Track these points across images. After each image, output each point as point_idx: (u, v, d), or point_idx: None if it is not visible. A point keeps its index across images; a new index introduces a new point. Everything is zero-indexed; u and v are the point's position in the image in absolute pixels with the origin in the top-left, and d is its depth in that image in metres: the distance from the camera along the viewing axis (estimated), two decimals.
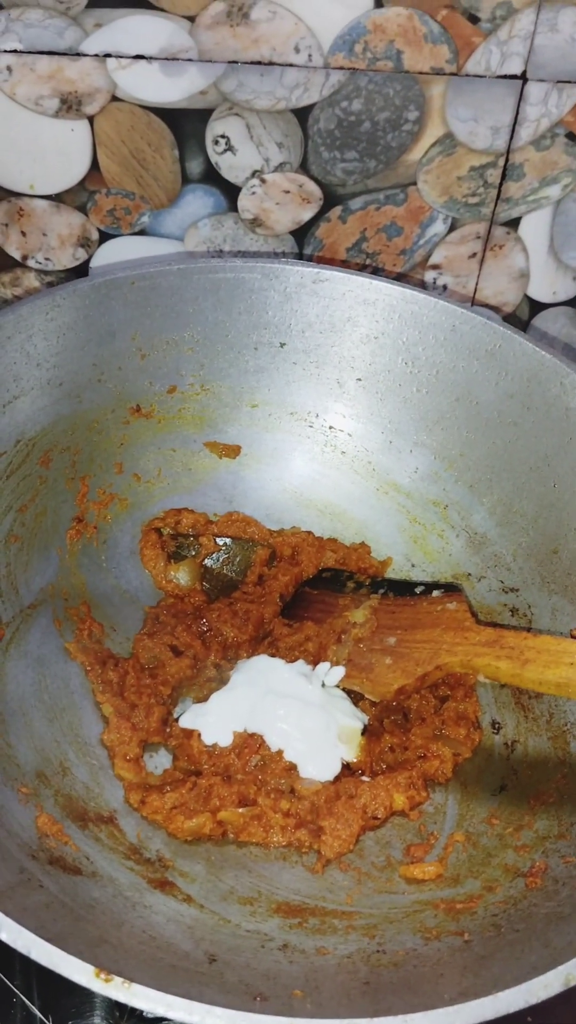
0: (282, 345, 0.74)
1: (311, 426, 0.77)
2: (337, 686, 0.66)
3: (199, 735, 0.62)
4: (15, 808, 0.52)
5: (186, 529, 0.75)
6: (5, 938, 0.39)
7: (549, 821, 0.56)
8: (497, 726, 0.65)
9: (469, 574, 0.72)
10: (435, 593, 0.68)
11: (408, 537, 0.75)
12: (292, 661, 0.66)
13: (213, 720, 0.63)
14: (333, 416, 0.77)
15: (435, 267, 0.83)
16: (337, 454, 0.77)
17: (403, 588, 0.71)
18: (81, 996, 0.56)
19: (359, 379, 0.75)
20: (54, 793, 0.56)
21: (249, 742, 0.62)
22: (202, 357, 0.74)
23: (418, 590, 0.70)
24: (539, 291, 0.86)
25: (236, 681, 0.65)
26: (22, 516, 0.66)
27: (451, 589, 0.69)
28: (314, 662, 0.67)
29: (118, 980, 0.38)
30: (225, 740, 0.62)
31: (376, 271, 0.83)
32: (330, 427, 0.77)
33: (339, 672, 0.66)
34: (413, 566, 0.74)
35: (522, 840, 0.56)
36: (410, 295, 0.71)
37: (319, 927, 0.52)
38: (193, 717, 0.63)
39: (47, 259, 0.81)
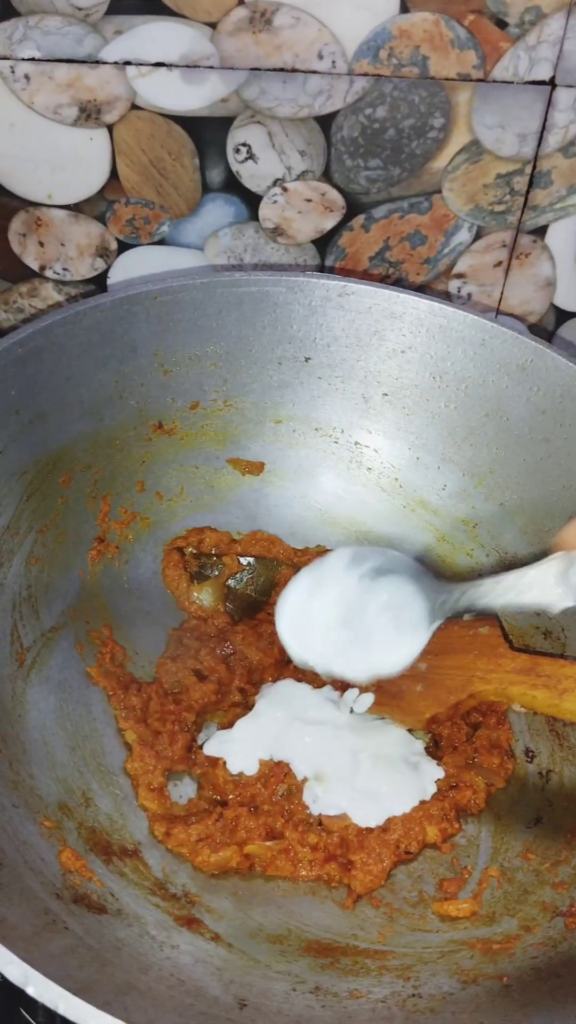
0: (307, 360, 0.74)
1: (336, 442, 0.77)
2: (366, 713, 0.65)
3: (224, 763, 0.61)
4: (38, 843, 0.51)
5: (209, 548, 0.74)
6: (32, 992, 0.38)
7: None
8: (531, 755, 0.64)
9: None
10: (466, 616, 0.67)
11: (435, 556, 0.74)
12: (319, 686, 0.65)
13: (238, 747, 0.62)
14: (359, 432, 0.76)
15: (460, 276, 0.82)
16: (363, 471, 0.77)
17: None
18: None
19: (386, 394, 0.75)
20: (77, 826, 0.55)
21: (275, 770, 0.61)
22: (225, 372, 0.73)
23: None
24: (566, 300, 0.85)
25: (261, 707, 0.63)
26: (43, 537, 0.66)
27: (483, 612, 0.67)
28: (342, 688, 0.66)
29: None
30: (251, 768, 0.61)
31: (399, 281, 0.82)
32: (356, 443, 0.76)
33: (368, 699, 0.65)
34: None
35: (560, 876, 0.55)
36: (438, 308, 0.70)
37: (351, 967, 0.51)
38: (218, 744, 0.62)
39: (65, 269, 0.81)
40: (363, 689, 0.65)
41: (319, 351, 0.73)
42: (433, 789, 0.61)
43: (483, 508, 0.73)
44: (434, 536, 0.75)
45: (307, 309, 0.72)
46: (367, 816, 0.59)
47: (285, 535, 0.75)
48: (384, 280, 0.81)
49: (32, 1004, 0.55)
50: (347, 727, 0.62)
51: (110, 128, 0.72)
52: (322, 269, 0.81)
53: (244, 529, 0.75)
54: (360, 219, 0.78)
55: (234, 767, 0.61)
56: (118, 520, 0.71)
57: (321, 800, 0.60)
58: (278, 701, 0.63)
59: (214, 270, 0.79)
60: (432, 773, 0.61)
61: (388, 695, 0.65)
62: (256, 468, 0.76)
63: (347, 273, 0.80)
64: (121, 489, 0.71)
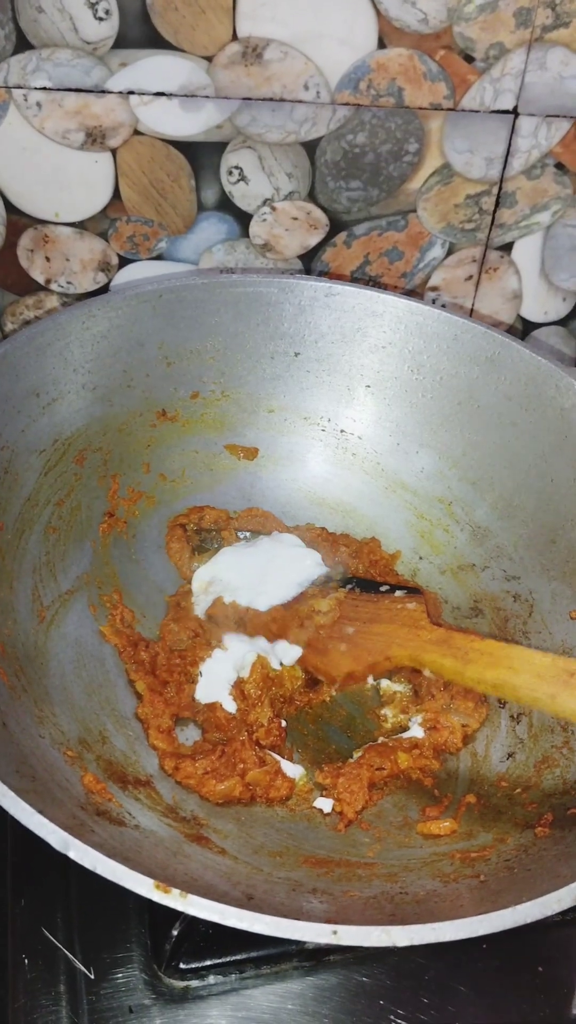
0: (296, 354, 0.76)
1: (324, 430, 0.79)
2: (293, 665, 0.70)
3: (222, 705, 0.66)
4: (63, 767, 0.54)
5: (208, 524, 0.77)
6: (73, 855, 0.43)
7: (554, 781, 0.60)
8: (502, 701, 0.68)
9: (473, 564, 0.74)
10: (398, 593, 0.70)
11: (415, 532, 0.77)
12: (253, 636, 0.70)
13: (206, 681, 0.67)
14: (344, 420, 0.79)
15: (434, 288, 0.86)
16: (348, 455, 0.79)
17: (370, 587, 0.73)
18: (120, 949, 0.59)
19: (368, 386, 0.77)
20: (96, 758, 0.59)
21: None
22: (223, 365, 0.76)
23: (383, 589, 0.72)
24: (531, 311, 0.89)
25: (216, 654, 0.69)
26: (59, 509, 0.68)
27: (413, 592, 0.71)
28: (274, 639, 0.70)
29: (176, 891, 0.42)
30: (226, 701, 0.66)
31: None
32: (341, 431, 0.79)
33: (296, 651, 0.69)
34: (421, 558, 0.77)
35: (530, 798, 0.59)
36: (415, 307, 0.73)
37: (344, 875, 0.55)
38: (202, 689, 0.68)
39: (69, 283, 0.83)
40: (291, 642, 0.70)
41: (308, 346, 0.76)
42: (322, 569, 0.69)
43: (457, 487, 0.75)
44: (413, 514, 0.77)
45: (296, 308, 0.74)
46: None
47: (277, 514, 0.78)
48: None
49: (52, 922, 0.60)
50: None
51: (114, 152, 0.75)
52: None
53: (240, 508, 0.78)
54: (342, 236, 0.81)
55: (205, 697, 0.66)
56: (126, 498, 0.73)
57: (283, 654, 0.67)
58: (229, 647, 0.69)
59: (213, 272, 0.82)
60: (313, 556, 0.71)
61: (315, 650, 0.69)
62: (251, 453, 0.78)
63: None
64: (128, 470, 0.73)
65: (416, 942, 0.41)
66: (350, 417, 0.79)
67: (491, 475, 0.73)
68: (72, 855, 0.42)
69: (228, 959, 0.57)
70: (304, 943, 0.55)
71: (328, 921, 0.45)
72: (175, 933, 0.55)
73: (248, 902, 0.49)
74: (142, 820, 0.55)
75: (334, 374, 0.77)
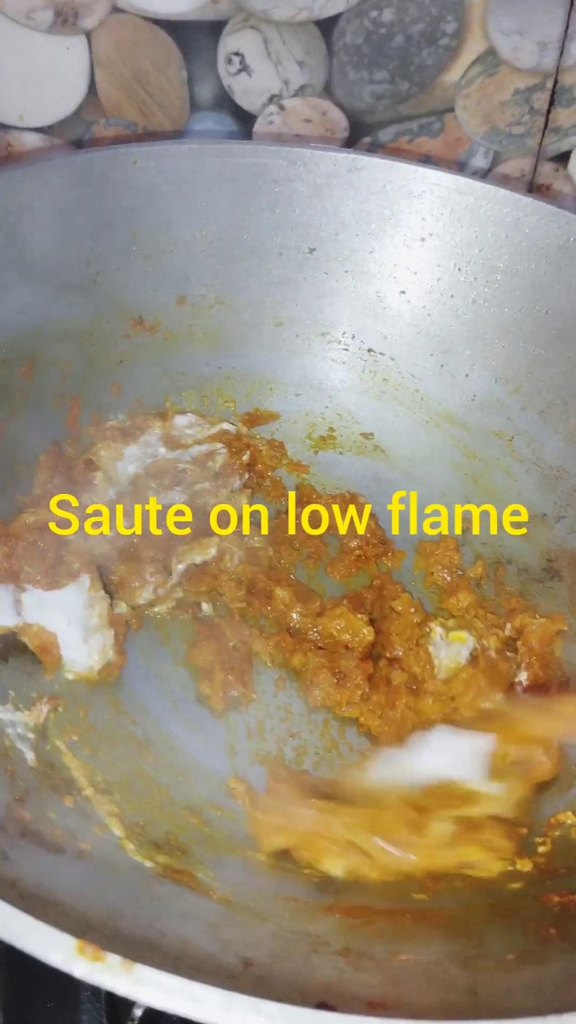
0: (311, 251, 0.69)
1: (346, 348, 0.72)
2: None
3: None
4: None
5: None
6: None
7: None
8: None
9: (544, 515, 0.66)
10: None
11: (466, 476, 0.69)
12: None
13: None
14: (372, 336, 0.72)
15: None
16: (378, 381, 0.72)
17: None
18: None
19: (403, 291, 0.70)
20: None
21: None
22: (216, 263, 0.69)
23: None
24: None
25: None
26: None
27: None
28: None
29: (115, 959, 0.25)
30: None
31: None
32: (368, 350, 0.72)
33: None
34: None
35: None
36: (464, 184, 0.66)
37: (389, 929, 0.40)
38: None
39: None
40: None
41: (325, 240, 0.69)
42: None
43: (520, 418, 0.68)
44: (463, 453, 0.70)
45: (311, 188, 0.67)
46: None
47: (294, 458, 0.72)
48: None
49: None
50: None
51: (88, 36, 0.69)
52: None
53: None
54: (365, 143, 0.74)
55: None
56: (90, 426, 0.66)
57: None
58: None
59: (204, 136, 0.75)
60: None
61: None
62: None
63: None
64: (93, 391, 0.66)
65: None
66: (380, 332, 0.71)
67: (565, 400, 0.65)
68: None
69: None
70: None
71: (373, 1006, 0.31)
72: (139, 1014, 0.39)
73: (244, 970, 0.33)
74: (93, 845, 0.41)
75: (359, 276, 0.70)
